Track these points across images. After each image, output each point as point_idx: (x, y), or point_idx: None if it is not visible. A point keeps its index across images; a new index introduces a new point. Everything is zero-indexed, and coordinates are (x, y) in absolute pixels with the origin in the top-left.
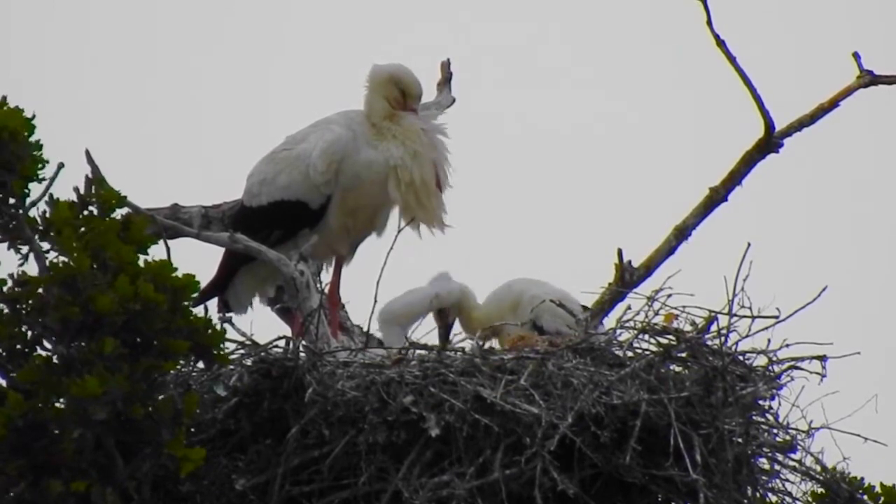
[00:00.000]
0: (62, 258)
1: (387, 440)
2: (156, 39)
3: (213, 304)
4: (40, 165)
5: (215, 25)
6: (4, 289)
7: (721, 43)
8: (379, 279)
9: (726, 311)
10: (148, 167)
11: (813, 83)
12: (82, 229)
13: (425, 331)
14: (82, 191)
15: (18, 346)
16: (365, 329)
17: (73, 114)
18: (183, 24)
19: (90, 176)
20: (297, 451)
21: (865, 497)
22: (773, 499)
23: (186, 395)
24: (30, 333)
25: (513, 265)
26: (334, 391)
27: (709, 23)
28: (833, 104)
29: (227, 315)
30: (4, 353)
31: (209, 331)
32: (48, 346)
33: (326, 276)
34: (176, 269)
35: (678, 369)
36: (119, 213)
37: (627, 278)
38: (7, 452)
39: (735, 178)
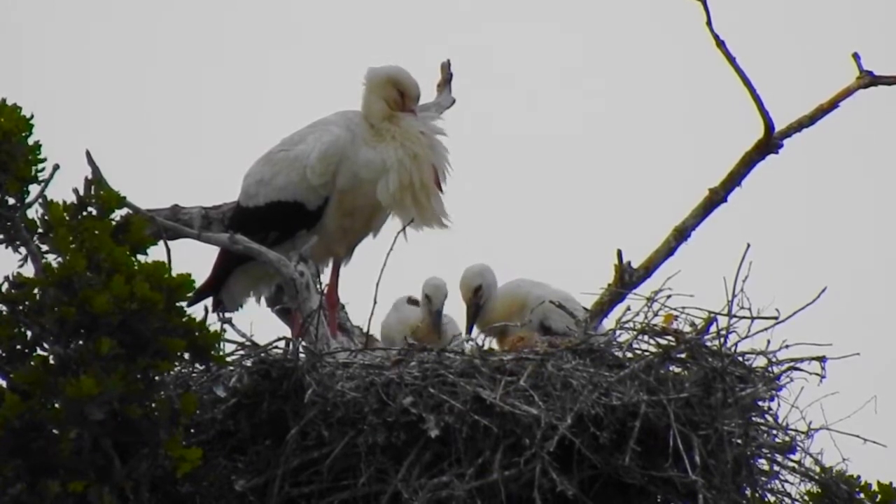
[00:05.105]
0: (58, 259)
1: (386, 441)
2: (156, 40)
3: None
4: (39, 166)
5: (215, 26)
6: (3, 290)
7: (721, 43)
8: (378, 280)
9: (726, 312)
10: (148, 168)
11: (813, 84)
12: (77, 230)
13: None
14: (81, 192)
15: (18, 347)
16: (365, 330)
17: (74, 114)
18: (183, 25)
19: (90, 177)
20: (297, 452)
21: (862, 496)
22: (772, 499)
23: (184, 395)
24: (29, 334)
25: (513, 266)
26: (334, 392)
27: (708, 23)
28: (833, 105)
29: (227, 316)
30: (4, 355)
31: (203, 331)
32: (47, 346)
33: (324, 278)
34: (170, 269)
35: (677, 370)
36: (119, 214)
37: (627, 279)
38: (4, 453)
39: (734, 178)
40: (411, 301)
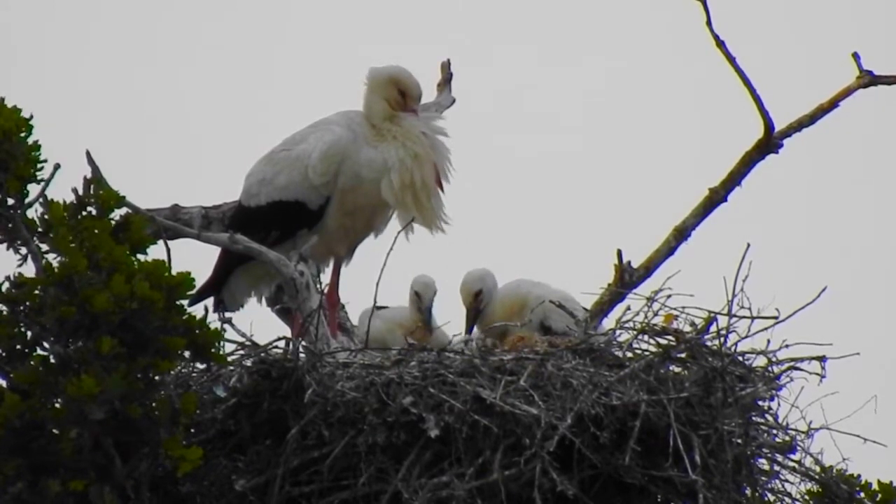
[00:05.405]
0: (58, 259)
1: (386, 441)
2: (156, 40)
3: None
4: (39, 166)
5: (216, 25)
6: (3, 289)
7: (721, 43)
8: (378, 280)
9: (726, 311)
10: (148, 168)
11: (813, 83)
12: (77, 230)
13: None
14: (81, 191)
15: (18, 347)
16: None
17: (74, 114)
18: (183, 25)
19: (90, 176)
20: (297, 451)
21: (862, 495)
22: (772, 499)
23: (184, 394)
24: (29, 334)
25: (513, 266)
26: (334, 392)
27: (708, 23)
28: (833, 104)
29: (227, 315)
30: (4, 354)
31: (203, 329)
32: (47, 346)
33: (325, 277)
34: (170, 269)
35: (677, 370)
36: (119, 214)
37: (627, 279)
38: (5, 452)
39: (734, 178)
40: (379, 308)
